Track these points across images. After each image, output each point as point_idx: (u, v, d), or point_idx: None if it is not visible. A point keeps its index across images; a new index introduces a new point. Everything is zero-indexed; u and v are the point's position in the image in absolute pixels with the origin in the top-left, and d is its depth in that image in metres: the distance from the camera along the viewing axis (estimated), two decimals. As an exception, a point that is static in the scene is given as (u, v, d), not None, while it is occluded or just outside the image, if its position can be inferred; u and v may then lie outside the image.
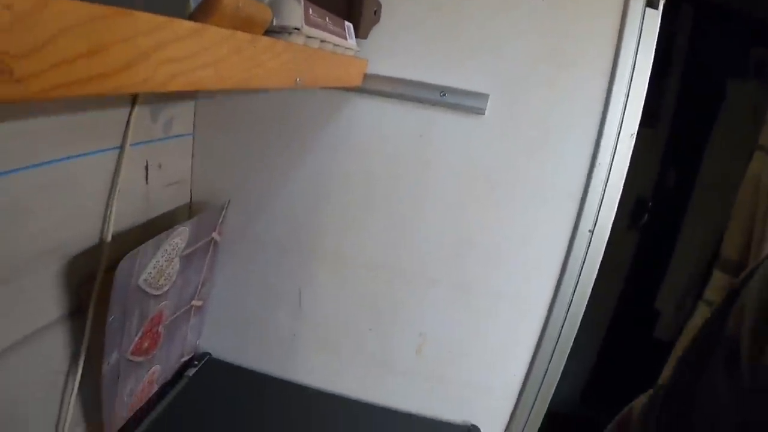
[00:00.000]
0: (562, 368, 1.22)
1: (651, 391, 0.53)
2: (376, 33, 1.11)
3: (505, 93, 1.11)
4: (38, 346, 0.95)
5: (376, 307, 1.30)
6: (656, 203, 2.19)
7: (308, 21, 0.76)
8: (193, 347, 1.42)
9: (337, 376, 1.37)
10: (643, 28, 1.05)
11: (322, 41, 0.84)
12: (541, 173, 1.13)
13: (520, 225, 1.17)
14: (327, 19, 0.86)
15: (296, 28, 0.73)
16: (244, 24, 0.58)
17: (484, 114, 1.12)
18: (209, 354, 1.44)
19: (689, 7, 2.13)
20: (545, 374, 1.22)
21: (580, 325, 1.20)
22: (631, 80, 1.06)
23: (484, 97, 1.11)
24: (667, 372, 1.24)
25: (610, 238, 1.15)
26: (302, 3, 0.74)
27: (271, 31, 0.71)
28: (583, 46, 1.07)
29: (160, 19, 0.41)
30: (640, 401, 0.46)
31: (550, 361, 1.21)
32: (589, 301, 1.19)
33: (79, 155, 0.94)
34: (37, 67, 0.30)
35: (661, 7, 1.05)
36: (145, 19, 0.39)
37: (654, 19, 1.05)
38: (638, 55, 1.05)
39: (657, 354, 1.80)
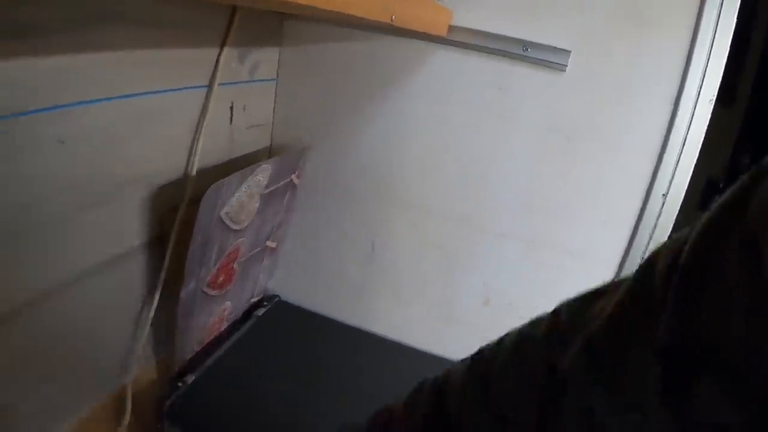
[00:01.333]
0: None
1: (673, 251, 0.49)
2: (460, -16, 1.13)
3: (587, 49, 1.10)
4: (119, 270, 1.00)
5: (447, 257, 1.31)
6: (727, 185, 2.14)
7: (405, -36, 0.78)
8: (264, 288, 1.46)
9: (403, 325, 1.40)
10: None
11: (415, -15, 0.86)
12: (619, 132, 1.12)
13: (595, 183, 1.16)
14: (417, -33, 0.88)
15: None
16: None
17: (565, 70, 1.12)
18: (278, 296, 1.48)
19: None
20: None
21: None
22: (713, 44, 1.04)
23: (565, 53, 1.11)
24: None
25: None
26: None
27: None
28: (665, 6, 1.05)
29: None
30: (663, 262, 0.42)
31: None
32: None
33: (169, 90, 0.98)
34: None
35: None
36: None
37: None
38: (720, 17, 1.03)
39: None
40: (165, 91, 0.97)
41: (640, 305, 0.42)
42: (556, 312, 0.54)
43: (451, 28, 1.13)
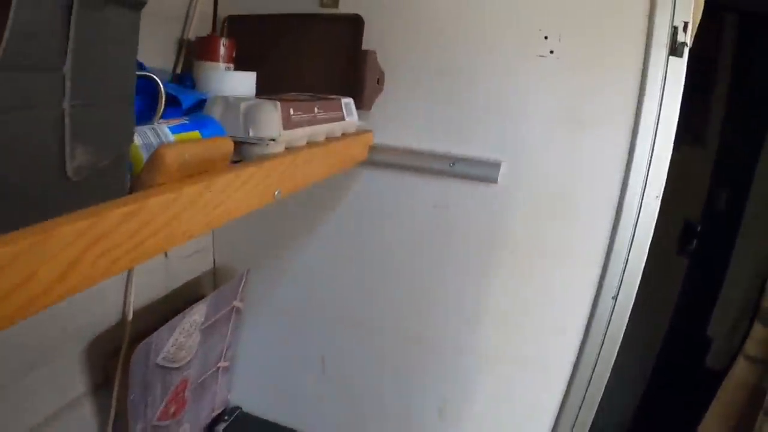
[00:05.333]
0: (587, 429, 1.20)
1: None
2: (381, 102, 1.11)
3: (519, 159, 1.08)
4: (67, 419, 1.00)
5: (398, 371, 1.29)
6: (705, 227, 2.12)
7: (288, 124, 0.76)
8: (224, 401, 1.44)
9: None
10: (667, 78, 0.99)
11: (312, 134, 0.84)
12: (560, 239, 1.10)
13: (540, 292, 1.13)
14: (316, 110, 0.85)
15: (272, 139, 0.73)
16: (202, 166, 0.59)
17: (497, 182, 1.09)
18: (240, 408, 1.46)
19: (734, 17, 2.04)
20: (570, 437, 1.20)
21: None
22: (655, 137, 1.01)
23: (495, 165, 1.08)
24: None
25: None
26: (279, 108, 0.74)
27: (247, 143, 0.72)
28: (601, 105, 1.02)
29: (83, 223, 0.42)
30: None
31: (573, 427, 1.19)
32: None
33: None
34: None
35: (686, 54, 1.00)
36: (64, 232, 0.40)
37: (678, 67, 0.99)
38: (662, 110, 1.00)
39: (708, 383, 1.75)
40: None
41: None
42: None
43: (375, 148, 1.11)
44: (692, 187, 2.08)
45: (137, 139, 0.56)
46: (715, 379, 1.70)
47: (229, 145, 0.63)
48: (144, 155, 0.56)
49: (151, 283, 1.14)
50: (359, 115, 1.04)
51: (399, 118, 1.12)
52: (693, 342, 2.15)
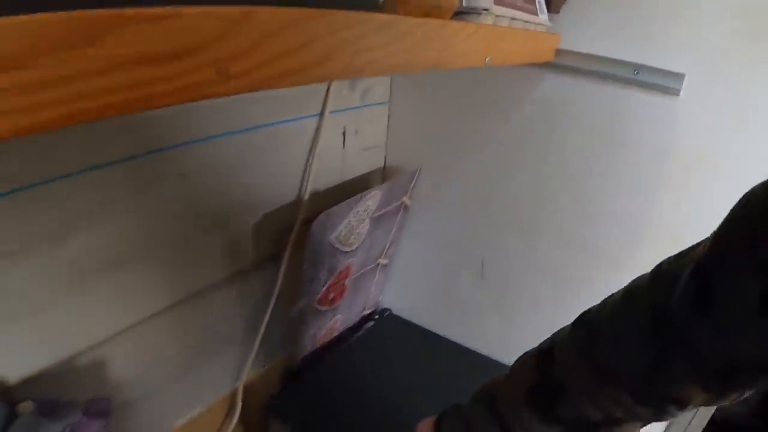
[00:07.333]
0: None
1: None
2: (569, 7, 1.10)
3: (702, 71, 1.04)
4: (238, 284, 1.08)
5: (557, 281, 1.30)
6: None
7: (498, 0, 0.78)
8: (375, 302, 1.51)
9: (510, 346, 1.38)
10: None
11: (512, 19, 0.85)
12: (735, 160, 1.06)
13: (711, 211, 1.10)
14: (516, -3, 0.87)
15: (485, 9, 0.75)
16: (432, 10, 0.61)
17: (679, 95, 1.07)
18: (389, 310, 1.52)
19: None
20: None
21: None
22: None
23: (679, 76, 1.05)
24: None
25: None
26: (491, -17, 0.76)
27: (461, 13, 0.74)
28: None
29: (354, 15, 0.46)
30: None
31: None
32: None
33: (284, 121, 1.04)
34: (247, 66, 0.37)
35: None
36: (340, 16, 0.44)
37: None
38: None
39: None
40: (280, 122, 1.03)
41: (744, 227, 0.46)
42: (658, 265, 0.59)
43: (560, 52, 1.11)
44: None
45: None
46: None
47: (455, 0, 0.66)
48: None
49: (327, 171, 1.20)
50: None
51: (585, 23, 1.11)
52: None
